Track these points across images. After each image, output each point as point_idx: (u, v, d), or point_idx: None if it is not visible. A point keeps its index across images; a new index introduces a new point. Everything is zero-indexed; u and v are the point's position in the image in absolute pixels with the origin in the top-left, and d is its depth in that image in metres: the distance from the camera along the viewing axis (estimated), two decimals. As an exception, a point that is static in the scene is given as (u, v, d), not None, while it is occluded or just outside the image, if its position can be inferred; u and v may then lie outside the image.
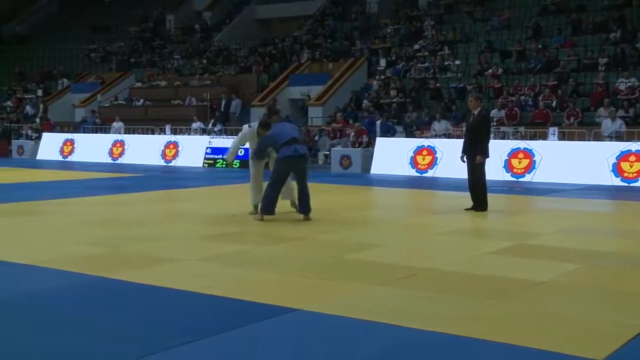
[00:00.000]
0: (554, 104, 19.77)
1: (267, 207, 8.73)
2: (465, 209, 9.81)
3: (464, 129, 11.34)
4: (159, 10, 35.83)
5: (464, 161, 9.94)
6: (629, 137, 15.91)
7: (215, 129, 22.54)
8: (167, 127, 22.59)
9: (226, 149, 20.03)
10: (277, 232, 7.97)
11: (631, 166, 14.15)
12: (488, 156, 9.90)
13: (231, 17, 34.10)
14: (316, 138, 21.38)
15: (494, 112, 20.04)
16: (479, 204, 9.78)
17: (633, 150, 14.26)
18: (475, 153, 9.70)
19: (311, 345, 3.99)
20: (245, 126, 9.74)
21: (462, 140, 10.37)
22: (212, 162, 20.01)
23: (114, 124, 24.33)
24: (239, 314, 4.54)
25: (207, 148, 20.34)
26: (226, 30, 33.07)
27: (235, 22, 33.50)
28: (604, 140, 16.15)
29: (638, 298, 5.03)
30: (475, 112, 9.90)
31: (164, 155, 21.10)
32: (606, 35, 22.08)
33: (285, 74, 26.95)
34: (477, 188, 9.82)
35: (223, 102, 25.82)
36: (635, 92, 19.20)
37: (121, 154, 21.99)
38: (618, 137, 16.22)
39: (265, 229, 8.26)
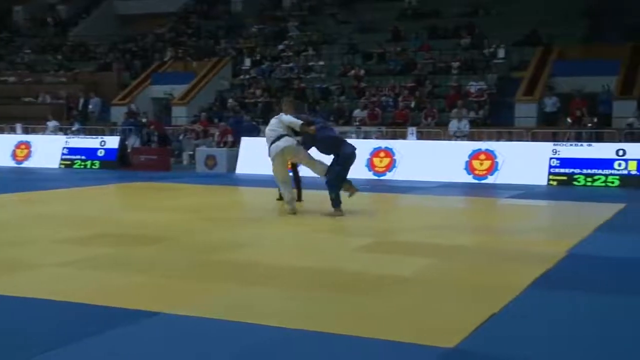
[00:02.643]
0: (412, 105, 20.67)
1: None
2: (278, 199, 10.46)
3: None
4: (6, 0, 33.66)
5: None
6: (479, 137, 16.95)
7: (74, 129, 21.54)
8: (18, 126, 21.25)
9: (84, 149, 19.37)
10: (144, 233, 7.75)
11: (481, 164, 15.06)
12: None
13: (88, 12, 32.69)
14: (180, 138, 21.01)
15: (356, 112, 20.64)
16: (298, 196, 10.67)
17: (483, 149, 15.20)
18: None
19: (171, 348, 3.91)
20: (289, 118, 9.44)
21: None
22: (69, 162, 19.10)
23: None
24: (98, 321, 4.36)
25: (63, 148, 19.39)
26: (83, 25, 31.68)
27: (93, 17, 32.17)
28: (454, 139, 17.14)
29: (490, 289, 5.37)
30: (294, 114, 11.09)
31: (14, 155, 19.82)
32: (458, 40, 23.38)
33: (147, 72, 26.26)
34: (298, 181, 10.74)
35: (81, 101, 24.72)
36: (484, 95, 20.49)
37: (-36, 154, 20.40)
38: (463, 136, 17.27)
39: (132, 230, 8.00)
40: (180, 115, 23.68)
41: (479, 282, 5.62)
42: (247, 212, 11.25)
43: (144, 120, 21.44)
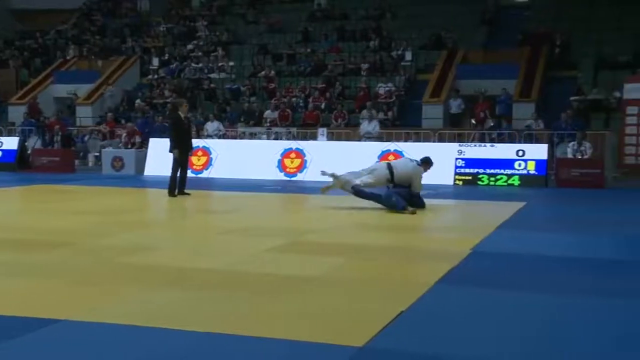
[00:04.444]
0: (323, 106, 20.84)
1: None
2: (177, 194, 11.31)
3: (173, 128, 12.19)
4: None
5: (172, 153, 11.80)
6: (388, 138, 17.28)
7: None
8: None
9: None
10: (45, 238, 7.43)
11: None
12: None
13: (-19, 6, 31.11)
14: (85, 139, 20.33)
15: (267, 113, 20.61)
16: (181, 189, 11.64)
17: (392, 150, 15.50)
18: (190, 149, 12.16)
19: (74, 357, 3.77)
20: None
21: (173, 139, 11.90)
22: (-36, 165, 18.13)
23: None
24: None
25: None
26: (-24, 19, 30.12)
27: (-13, 12, 30.65)
28: (364, 140, 17.41)
29: (399, 287, 5.46)
30: (187, 116, 12.18)
31: None
32: (366, 42, 23.77)
33: (49, 70, 25.27)
34: (185, 179, 11.72)
35: (-25, 99, 23.54)
36: (393, 97, 20.93)
37: None
38: (373, 137, 17.57)
39: (32, 235, 7.65)
40: (85, 115, 22.91)
41: (388, 281, 5.72)
42: (155, 214, 11.01)
43: (45, 119, 20.63)
